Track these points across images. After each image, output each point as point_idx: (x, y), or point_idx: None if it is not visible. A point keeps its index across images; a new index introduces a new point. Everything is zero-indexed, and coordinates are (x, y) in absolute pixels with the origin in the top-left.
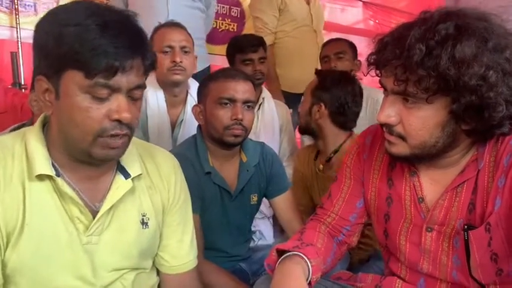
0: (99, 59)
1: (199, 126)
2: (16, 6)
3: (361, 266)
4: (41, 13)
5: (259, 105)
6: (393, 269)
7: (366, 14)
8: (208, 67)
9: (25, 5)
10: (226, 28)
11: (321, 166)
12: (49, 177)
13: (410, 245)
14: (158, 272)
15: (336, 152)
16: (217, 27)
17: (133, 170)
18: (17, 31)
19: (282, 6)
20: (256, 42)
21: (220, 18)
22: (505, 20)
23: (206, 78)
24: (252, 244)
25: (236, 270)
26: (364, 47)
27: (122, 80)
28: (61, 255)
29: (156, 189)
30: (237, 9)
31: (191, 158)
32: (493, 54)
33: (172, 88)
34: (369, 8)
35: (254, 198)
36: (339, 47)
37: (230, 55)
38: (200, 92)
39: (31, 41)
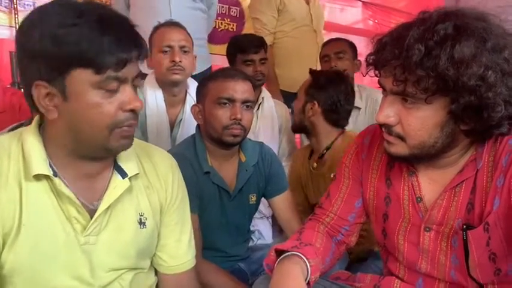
0: (108, 54)
1: (198, 126)
2: (15, 5)
3: (360, 266)
4: None
5: (259, 105)
6: (392, 269)
7: (365, 14)
8: (210, 68)
9: (24, 4)
10: (226, 28)
11: (315, 164)
12: (46, 177)
13: (409, 244)
14: (156, 272)
15: (328, 148)
16: (217, 27)
17: (130, 169)
18: (16, 30)
19: (281, 7)
20: (258, 43)
21: (219, 18)
22: (504, 20)
23: (205, 78)
24: (251, 243)
25: (235, 270)
26: (363, 47)
27: (128, 71)
28: (58, 256)
29: (154, 189)
30: (237, 9)
31: (190, 157)
32: (492, 55)
33: (171, 88)
34: (368, 8)
35: (253, 198)
36: (339, 47)
37: (231, 55)
38: (199, 92)
39: None
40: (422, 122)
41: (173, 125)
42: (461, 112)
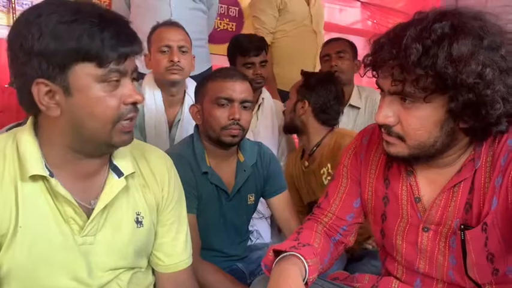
0: (111, 48)
1: (196, 126)
2: (13, 5)
3: (356, 265)
4: None
5: (259, 105)
6: (390, 269)
7: (364, 14)
8: (210, 68)
9: (22, 3)
10: (225, 28)
11: (306, 163)
12: (42, 177)
13: (407, 244)
14: (154, 271)
15: (318, 145)
16: (216, 26)
17: (126, 168)
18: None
19: (282, 6)
20: (258, 45)
21: (218, 18)
22: (503, 20)
23: (204, 78)
24: (249, 243)
25: (233, 270)
26: (362, 47)
27: (128, 64)
28: (56, 257)
29: (150, 188)
30: (236, 9)
31: (188, 157)
32: (489, 52)
33: (169, 88)
34: (367, 8)
35: (251, 198)
36: (340, 46)
37: (231, 56)
38: (198, 92)
39: None
40: (422, 121)
41: (171, 125)
42: (460, 110)
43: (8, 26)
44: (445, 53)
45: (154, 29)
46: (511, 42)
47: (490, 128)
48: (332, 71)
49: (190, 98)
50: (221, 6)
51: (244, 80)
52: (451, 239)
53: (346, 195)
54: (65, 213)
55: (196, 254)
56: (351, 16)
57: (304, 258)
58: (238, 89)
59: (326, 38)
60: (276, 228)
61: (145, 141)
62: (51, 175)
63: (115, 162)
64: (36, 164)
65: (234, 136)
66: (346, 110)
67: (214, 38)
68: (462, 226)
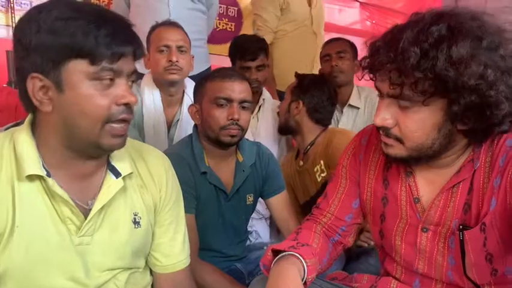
0: (104, 46)
1: (195, 126)
2: (12, 4)
3: (354, 264)
4: None
5: (259, 106)
6: (388, 269)
7: (362, 15)
8: (209, 68)
9: (21, 3)
10: (224, 28)
11: (301, 162)
12: (39, 177)
13: (406, 245)
14: (151, 272)
15: (312, 144)
16: (215, 26)
17: (124, 169)
18: (12, 30)
19: (284, 6)
20: (256, 49)
21: (217, 18)
22: (504, 21)
23: (203, 77)
24: (248, 243)
25: (232, 271)
26: (361, 48)
27: (123, 65)
28: (53, 257)
29: (148, 189)
30: (234, 9)
31: (187, 157)
32: (489, 53)
33: (168, 88)
34: (365, 8)
35: (250, 198)
36: (340, 46)
37: (231, 57)
38: (196, 92)
39: None
40: (420, 123)
41: (170, 125)
42: (462, 112)
43: (7, 25)
44: (445, 56)
45: (153, 28)
46: (511, 43)
47: (492, 128)
48: (325, 73)
49: (189, 98)
50: (220, 6)
51: (243, 80)
52: (449, 240)
53: (345, 196)
54: (62, 213)
55: (195, 254)
56: (349, 16)
57: (303, 258)
58: (237, 89)
59: (325, 38)
60: (275, 228)
61: (143, 141)
62: (48, 175)
63: (113, 163)
64: (33, 164)
65: (232, 136)
66: (345, 110)
67: (213, 38)
68: (461, 226)
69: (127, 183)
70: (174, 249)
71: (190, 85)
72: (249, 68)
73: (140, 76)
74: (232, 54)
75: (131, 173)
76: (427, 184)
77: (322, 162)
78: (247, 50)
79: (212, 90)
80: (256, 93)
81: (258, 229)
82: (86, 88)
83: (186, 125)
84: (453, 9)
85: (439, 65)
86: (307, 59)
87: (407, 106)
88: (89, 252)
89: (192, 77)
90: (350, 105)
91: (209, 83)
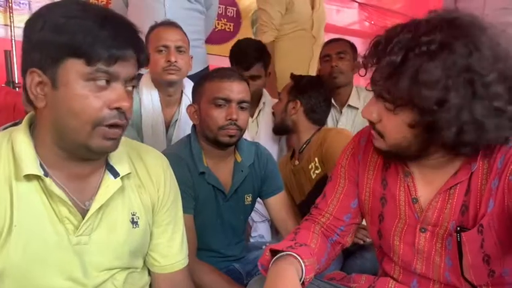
0: (101, 47)
1: (193, 126)
2: (10, 4)
3: (349, 259)
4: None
5: (259, 110)
6: (387, 270)
7: (361, 15)
8: (207, 68)
9: (19, 3)
10: (223, 28)
11: (297, 162)
12: (37, 177)
13: (404, 245)
14: (150, 272)
15: (307, 143)
16: (214, 26)
17: (122, 169)
18: (11, 29)
19: (289, 6)
20: (252, 59)
21: (216, 18)
22: (503, 23)
23: (201, 77)
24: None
25: (230, 271)
26: (359, 49)
27: (120, 69)
28: (51, 257)
29: (146, 189)
30: (233, 9)
31: (185, 157)
32: (468, 78)
33: (167, 88)
34: (364, 9)
35: (248, 199)
36: (340, 47)
37: (230, 61)
38: (195, 92)
39: None
40: (397, 126)
41: (169, 125)
42: (424, 126)
43: (5, 25)
44: (412, 73)
45: (152, 28)
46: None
47: (456, 148)
48: (324, 74)
49: (187, 98)
50: (219, 7)
51: (242, 80)
52: (447, 241)
53: (344, 196)
54: (59, 212)
55: (193, 255)
56: (348, 17)
57: (301, 258)
58: (236, 89)
59: (324, 39)
60: (274, 229)
61: (142, 141)
62: (46, 175)
63: (111, 163)
64: (30, 164)
65: (231, 136)
66: (344, 110)
67: (212, 38)
68: (458, 228)
69: (125, 183)
70: (172, 249)
71: (188, 85)
72: None
73: (139, 76)
74: (230, 60)
75: (129, 173)
76: (425, 184)
77: (316, 159)
78: (242, 59)
79: (210, 90)
80: (257, 95)
81: (263, 232)
82: (80, 88)
83: (185, 125)
84: (456, 19)
85: (402, 80)
86: (303, 62)
87: (389, 108)
88: (87, 251)
89: (189, 77)
90: (349, 106)
91: (207, 83)
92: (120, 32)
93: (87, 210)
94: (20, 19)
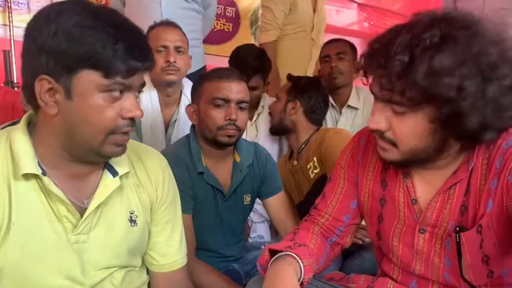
0: (120, 61)
1: (192, 126)
2: (9, 4)
3: (348, 259)
4: (34, 11)
5: (258, 114)
6: (386, 270)
7: (360, 16)
8: (204, 68)
9: (18, 2)
10: (222, 28)
11: (295, 162)
12: (35, 176)
13: (403, 246)
14: (148, 271)
15: (306, 143)
16: (213, 27)
17: (121, 168)
18: (9, 29)
19: (293, 7)
20: (251, 71)
21: (215, 18)
22: (502, 23)
23: (200, 77)
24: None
25: (229, 271)
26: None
27: (135, 79)
28: (49, 255)
29: (144, 188)
30: (232, 10)
31: (184, 157)
32: (476, 61)
33: (166, 88)
34: (363, 9)
35: (247, 199)
36: (340, 47)
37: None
38: (194, 92)
39: None
40: (412, 128)
41: (168, 125)
42: (445, 119)
43: (4, 25)
44: (426, 66)
45: (151, 28)
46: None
47: (477, 136)
48: (324, 74)
49: (186, 98)
50: (218, 7)
51: (241, 81)
52: (446, 241)
53: (343, 197)
54: (58, 211)
55: (191, 255)
56: (347, 17)
57: (300, 258)
58: (235, 90)
59: (323, 39)
60: (274, 229)
61: (141, 141)
62: (44, 173)
63: (110, 162)
64: (29, 163)
65: (230, 136)
66: (344, 110)
67: (210, 38)
68: (457, 228)
69: (124, 182)
70: (171, 248)
71: (187, 85)
72: None
73: None
74: (230, 66)
75: (128, 172)
76: (424, 185)
77: (315, 159)
78: (241, 70)
79: (209, 90)
80: (256, 98)
81: (262, 233)
82: (96, 99)
83: (184, 125)
84: (449, 13)
85: (418, 75)
86: (303, 62)
87: (400, 111)
88: (85, 250)
89: (186, 76)
90: (349, 106)
91: (206, 83)
92: (136, 43)
93: (86, 209)
94: (19, 19)
